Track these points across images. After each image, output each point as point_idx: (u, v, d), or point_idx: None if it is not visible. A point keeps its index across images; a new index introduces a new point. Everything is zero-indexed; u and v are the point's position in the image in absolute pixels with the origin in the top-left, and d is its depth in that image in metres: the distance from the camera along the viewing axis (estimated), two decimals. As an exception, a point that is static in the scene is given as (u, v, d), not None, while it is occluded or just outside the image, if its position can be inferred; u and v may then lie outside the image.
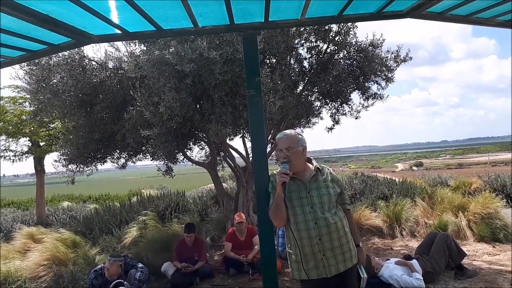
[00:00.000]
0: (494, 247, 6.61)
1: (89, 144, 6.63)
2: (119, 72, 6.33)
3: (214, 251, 7.67)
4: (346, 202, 2.96)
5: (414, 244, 7.01)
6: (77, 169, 7.11)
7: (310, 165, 2.91)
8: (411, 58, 6.67)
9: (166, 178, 7.03)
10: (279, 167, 2.95)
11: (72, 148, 6.80)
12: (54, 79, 6.35)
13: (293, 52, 6.57)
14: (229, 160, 7.74)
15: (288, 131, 2.93)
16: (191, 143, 7.24)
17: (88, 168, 7.22)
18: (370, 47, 6.56)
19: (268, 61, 6.25)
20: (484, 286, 4.87)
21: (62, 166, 7.13)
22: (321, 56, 6.56)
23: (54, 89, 6.21)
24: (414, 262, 5.21)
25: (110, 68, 6.45)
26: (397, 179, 13.08)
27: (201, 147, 7.89)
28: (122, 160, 7.59)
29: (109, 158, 7.40)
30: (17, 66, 6.40)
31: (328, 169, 2.95)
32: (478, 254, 6.30)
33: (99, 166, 7.62)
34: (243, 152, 7.86)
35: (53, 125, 11.34)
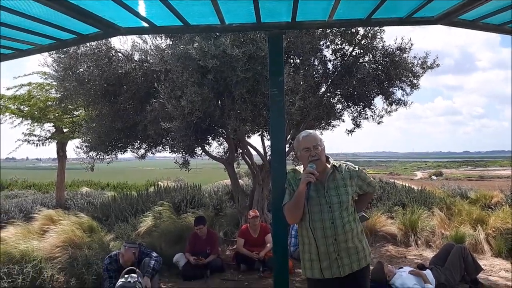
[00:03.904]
0: (512, 263, 6.46)
1: (110, 133, 6.76)
2: (144, 64, 6.42)
3: (227, 246, 7.73)
4: (372, 185, 3.00)
5: (429, 254, 6.90)
6: (98, 156, 7.26)
7: (327, 164, 2.88)
8: (438, 65, 6.52)
9: (183, 171, 7.12)
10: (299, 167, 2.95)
11: (94, 136, 6.93)
12: (80, 68, 6.49)
13: (318, 53, 6.52)
14: (246, 157, 7.76)
15: (310, 131, 2.94)
16: (210, 138, 7.29)
17: (109, 156, 7.35)
18: (398, 51, 6.45)
19: (292, 61, 6.24)
20: (499, 303, 4.76)
21: (83, 152, 7.28)
22: (346, 58, 6.50)
23: (80, 77, 6.35)
24: (428, 272, 5.13)
25: (136, 60, 6.54)
26: (415, 187, 12.88)
27: (219, 142, 7.94)
28: (142, 151, 7.71)
29: (129, 148, 7.52)
30: (46, 53, 6.56)
31: (346, 165, 2.91)
32: (494, 269, 6.16)
33: (119, 155, 7.76)
34: (261, 150, 7.88)
35: (77, 112, 11.57)
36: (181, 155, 6.60)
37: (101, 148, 7.06)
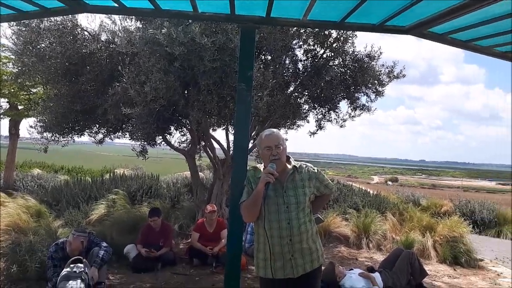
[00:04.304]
0: (455, 270, 6.77)
1: (68, 114, 6.45)
2: (111, 46, 6.16)
3: (181, 239, 7.61)
4: (329, 187, 3.01)
5: (379, 257, 7.11)
6: (52, 138, 6.90)
7: (288, 164, 2.87)
8: (404, 76, 6.71)
9: (142, 160, 6.93)
10: (257, 166, 2.93)
11: (50, 116, 6.59)
12: (42, 43, 6.13)
13: (289, 52, 6.52)
14: (209, 150, 7.66)
15: (273, 129, 2.91)
16: (173, 128, 7.13)
17: (64, 139, 7.02)
18: (366, 58, 6.57)
19: (263, 57, 6.20)
20: (440, 308, 4.97)
21: (37, 133, 6.91)
22: (316, 60, 6.55)
23: (41, 53, 6.00)
24: (377, 275, 5.26)
25: (102, 41, 6.27)
26: (371, 191, 13.27)
27: (182, 133, 7.79)
28: (100, 135, 7.41)
29: (87, 131, 7.21)
30: (5, 24, 6.18)
31: (306, 166, 2.91)
32: (439, 275, 6.43)
33: (76, 138, 7.44)
34: (225, 145, 7.80)
35: (35, 90, 11.01)
36: (139, 143, 6.39)
37: (57, 129, 6.71)
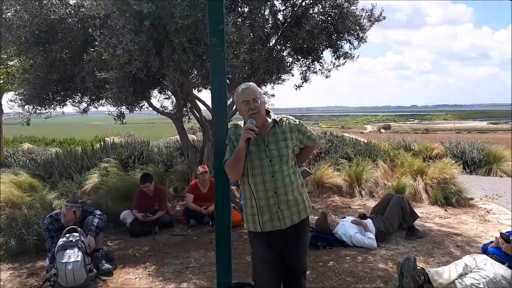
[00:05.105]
0: (446, 210, 6.91)
1: (47, 85, 6.27)
2: (81, 10, 5.88)
3: (176, 201, 7.70)
4: (312, 139, 2.97)
5: (372, 204, 7.23)
6: (34, 110, 6.77)
7: (268, 118, 2.84)
8: (384, 18, 6.50)
9: (134, 126, 6.85)
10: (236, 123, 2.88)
11: (28, 88, 6.42)
12: (8, 12, 5.85)
13: (268, 3, 6.26)
14: (195, 112, 7.55)
15: (250, 83, 2.84)
16: (156, 91, 6.98)
17: (46, 110, 6.89)
18: (346, 3, 6.34)
19: (240, 9, 5.95)
20: (432, 247, 5.10)
21: (18, 106, 6.76)
22: (295, 9, 6.30)
23: (7, 23, 5.74)
24: (369, 221, 5.37)
25: (71, 5, 5.97)
26: (364, 140, 13.36)
27: (166, 96, 7.65)
28: (84, 104, 7.29)
29: (69, 101, 7.07)
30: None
31: (286, 119, 2.88)
32: (430, 216, 6.58)
33: (65, 109, 7.31)
34: (211, 105, 7.68)
35: (11, 62, 10.64)
36: (117, 107, 6.28)
37: (37, 101, 6.56)
